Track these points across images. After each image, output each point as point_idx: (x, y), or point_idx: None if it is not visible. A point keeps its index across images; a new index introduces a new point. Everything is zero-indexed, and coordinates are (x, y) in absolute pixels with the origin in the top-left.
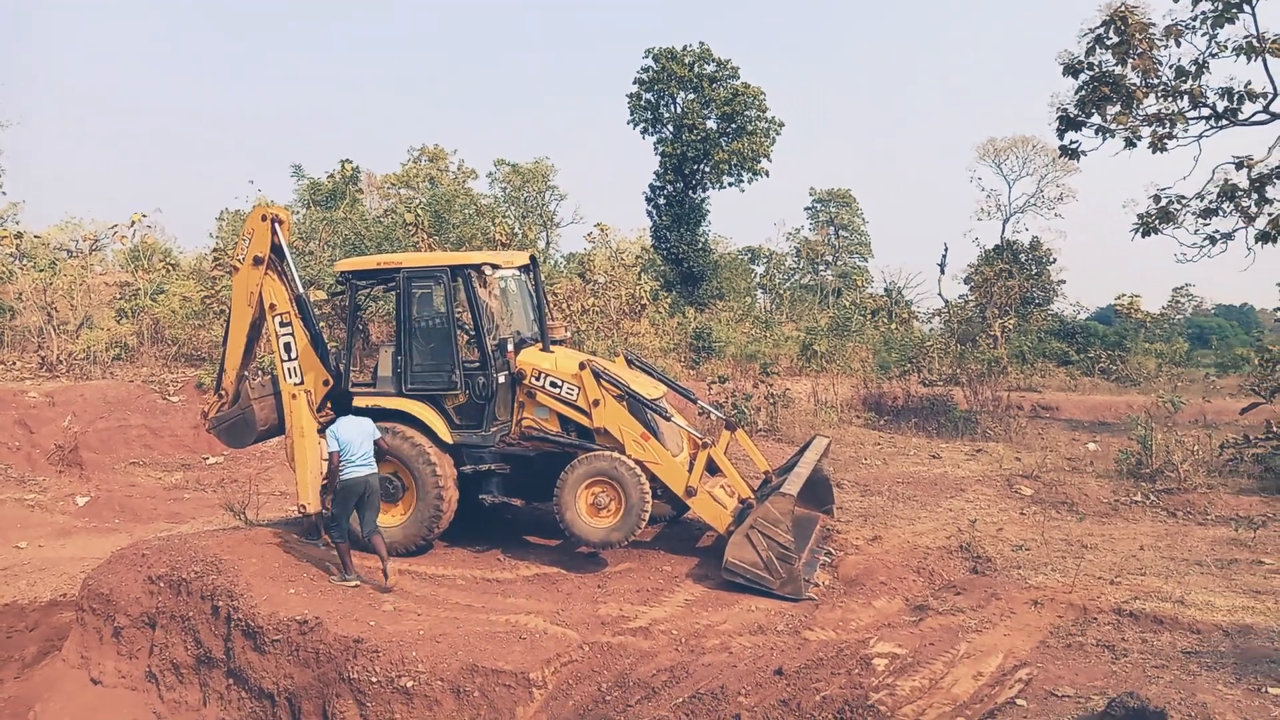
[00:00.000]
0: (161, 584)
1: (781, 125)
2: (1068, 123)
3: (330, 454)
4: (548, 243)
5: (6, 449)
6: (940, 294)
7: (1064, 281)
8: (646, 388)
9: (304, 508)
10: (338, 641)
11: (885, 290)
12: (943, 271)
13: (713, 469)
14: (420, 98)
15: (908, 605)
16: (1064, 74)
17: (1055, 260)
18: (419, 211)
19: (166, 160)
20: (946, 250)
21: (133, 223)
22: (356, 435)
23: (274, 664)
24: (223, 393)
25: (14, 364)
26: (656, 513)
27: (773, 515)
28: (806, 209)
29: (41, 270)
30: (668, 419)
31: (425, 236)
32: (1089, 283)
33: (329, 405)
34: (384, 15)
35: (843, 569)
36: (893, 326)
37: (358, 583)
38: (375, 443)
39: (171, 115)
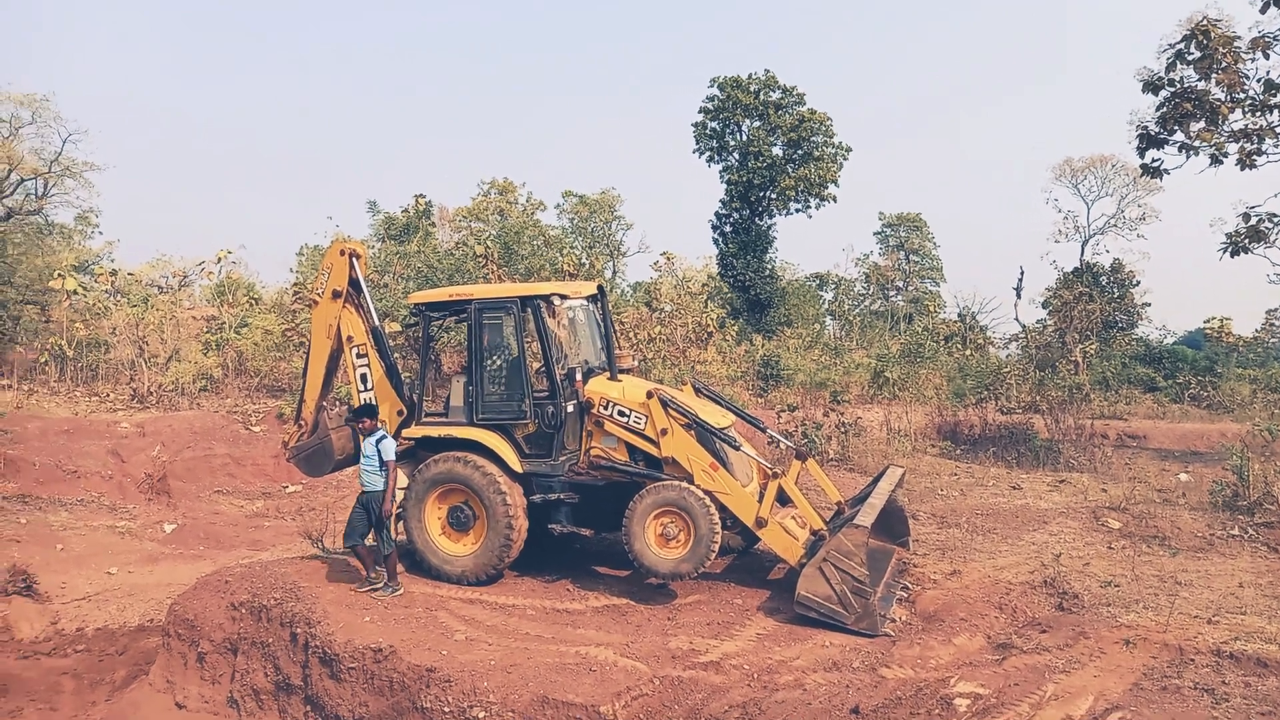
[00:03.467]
0: (243, 610)
1: (849, 150)
2: (1149, 140)
3: (388, 463)
4: (614, 272)
5: (100, 478)
6: (1017, 319)
7: (1148, 304)
8: (715, 416)
9: None
10: (411, 670)
11: (959, 315)
12: (1019, 296)
13: (783, 499)
14: (490, 132)
15: (990, 643)
16: (1144, 91)
17: (1139, 283)
18: (489, 244)
19: (250, 198)
20: (1023, 274)
21: (219, 259)
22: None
23: (350, 692)
24: (302, 423)
25: (108, 396)
26: (726, 544)
27: (846, 547)
28: (876, 234)
29: (134, 306)
30: (737, 448)
31: (495, 268)
32: (1175, 305)
33: (402, 434)
34: (452, 54)
35: (920, 604)
36: (967, 353)
37: (400, 590)
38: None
39: (254, 155)
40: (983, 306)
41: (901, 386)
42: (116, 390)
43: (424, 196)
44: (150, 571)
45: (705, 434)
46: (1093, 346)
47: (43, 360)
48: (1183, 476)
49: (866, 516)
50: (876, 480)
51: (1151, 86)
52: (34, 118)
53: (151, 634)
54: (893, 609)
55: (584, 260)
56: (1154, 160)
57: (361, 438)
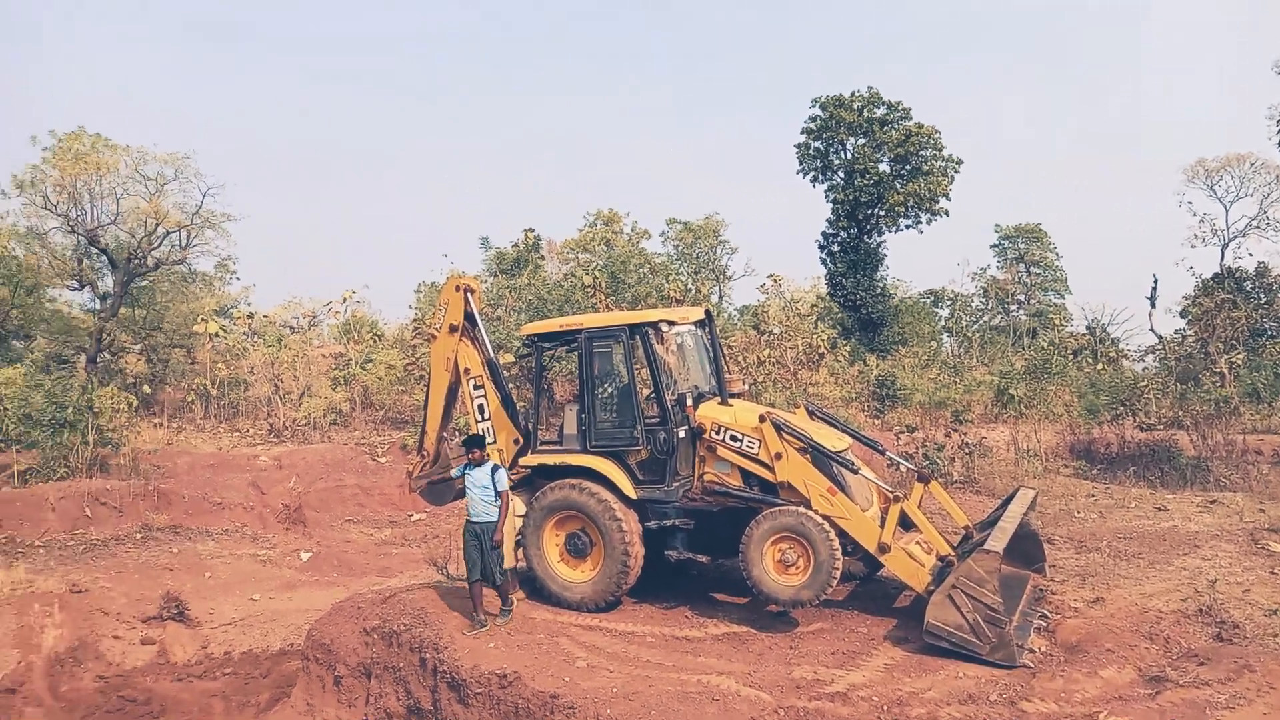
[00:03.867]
0: (375, 636)
1: (960, 163)
2: None
3: (503, 493)
4: (720, 296)
5: (242, 509)
6: (1152, 329)
7: None
8: (830, 440)
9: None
10: (535, 696)
11: (1087, 328)
12: (1153, 305)
13: (906, 524)
14: (594, 164)
15: (1141, 676)
16: None
17: None
18: (596, 274)
19: (372, 239)
20: (1156, 282)
21: (344, 299)
22: (473, 480)
23: (477, 716)
24: (424, 453)
25: (248, 431)
26: (848, 570)
27: (977, 574)
28: (993, 247)
29: (270, 346)
30: (855, 472)
31: (603, 297)
32: None
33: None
34: (556, 92)
35: (1061, 634)
36: (1099, 367)
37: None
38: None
39: (376, 197)
40: (1113, 318)
41: (1028, 404)
42: (255, 426)
43: (533, 230)
44: (289, 597)
45: (821, 458)
46: (1240, 356)
47: (189, 399)
48: None
49: (998, 541)
50: (1006, 503)
51: None
52: (177, 174)
53: (292, 657)
54: (1030, 639)
55: (690, 286)
56: None
57: (470, 468)
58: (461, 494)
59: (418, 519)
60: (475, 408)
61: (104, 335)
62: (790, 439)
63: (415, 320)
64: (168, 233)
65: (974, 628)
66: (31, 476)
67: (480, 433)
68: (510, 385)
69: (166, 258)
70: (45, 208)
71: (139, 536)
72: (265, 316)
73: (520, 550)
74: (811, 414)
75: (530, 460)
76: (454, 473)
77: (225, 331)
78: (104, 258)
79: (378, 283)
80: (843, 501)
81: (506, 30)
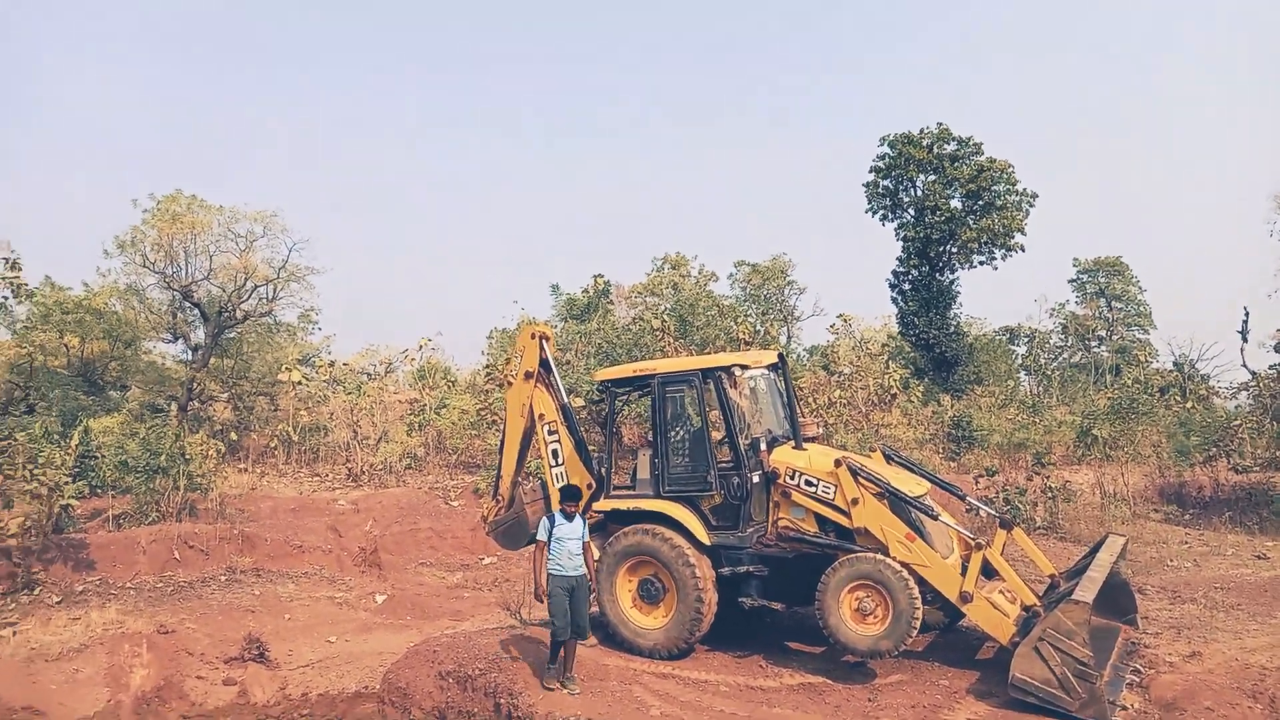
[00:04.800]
0: (450, 680)
1: (1034, 197)
2: None
3: (535, 542)
4: (789, 337)
5: (321, 552)
6: (1245, 365)
7: None
8: (908, 484)
9: None
10: None
11: (1174, 365)
12: (1245, 339)
13: (989, 572)
14: (661, 208)
15: None
16: None
17: None
18: (665, 318)
19: (444, 289)
20: (1247, 315)
21: (420, 346)
22: (567, 533)
23: None
24: (499, 498)
25: (327, 475)
26: (928, 620)
27: (1065, 625)
28: (1071, 281)
29: (349, 394)
30: (935, 518)
31: (671, 340)
32: None
33: (593, 508)
34: (619, 137)
35: (1155, 690)
36: (1189, 405)
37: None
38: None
39: (447, 247)
40: (1202, 353)
41: (1113, 445)
42: (334, 470)
43: (602, 276)
44: (365, 640)
45: (899, 503)
46: None
47: (272, 445)
48: None
49: (1087, 591)
50: (1095, 550)
51: None
52: (264, 231)
53: (367, 700)
54: (1122, 694)
55: (759, 327)
56: None
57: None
58: (536, 539)
59: (489, 563)
60: (550, 453)
61: (195, 385)
62: (867, 484)
63: (487, 366)
64: (256, 286)
65: (1062, 682)
66: (125, 521)
67: (554, 477)
68: (582, 429)
69: (254, 310)
70: (144, 265)
71: (223, 579)
72: (345, 364)
73: (593, 596)
74: (888, 458)
75: (604, 505)
76: (540, 530)
77: (307, 380)
78: (196, 311)
79: (451, 330)
80: (922, 548)
81: (571, 72)
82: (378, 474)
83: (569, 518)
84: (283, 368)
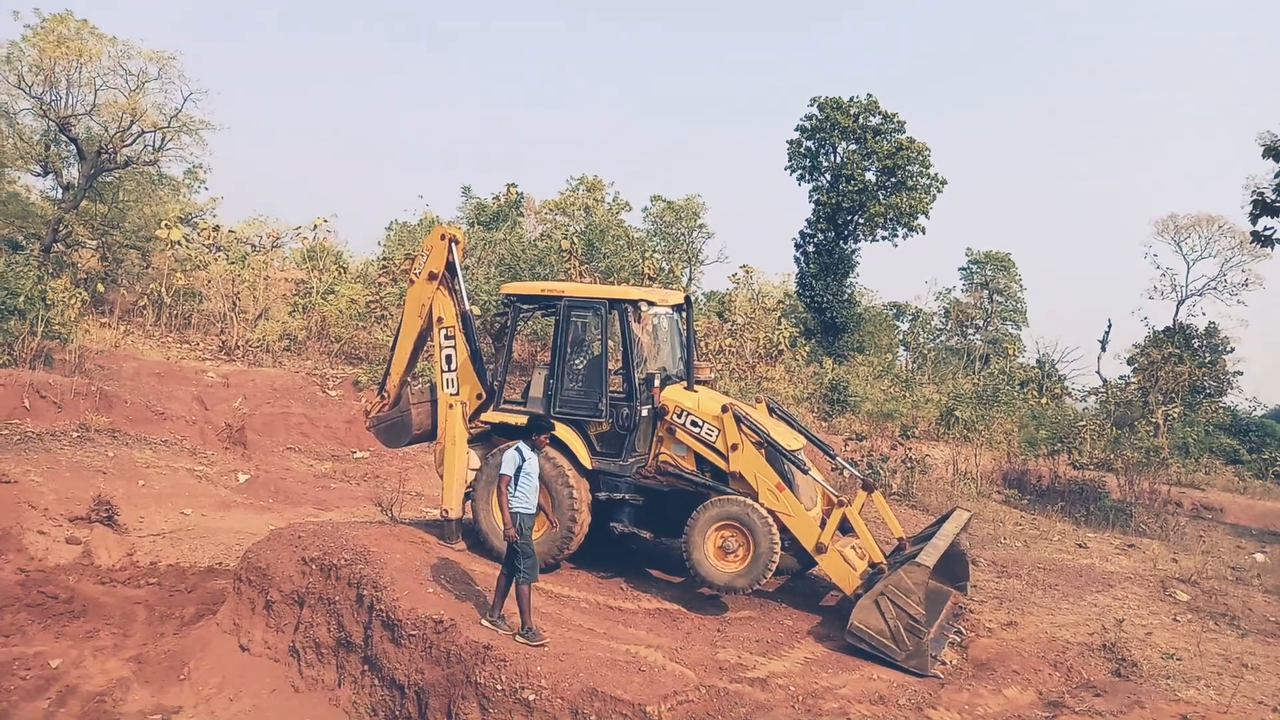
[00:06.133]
0: (313, 566)
1: (944, 183)
2: (1263, 208)
3: (500, 476)
4: (690, 279)
5: (184, 422)
6: (1099, 372)
7: (1240, 374)
8: (786, 438)
9: (446, 512)
10: (468, 645)
11: (1037, 362)
12: (1104, 349)
13: (845, 528)
14: (585, 129)
15: (1040, 699)
16: (1264, 156)
17: (1233, 349)
18: (574, 239)
19: (345, 167)
20: (1110, 326)
21: (315, 226)
22: (534, 469)
23: (407, 658)
24: (385, 394)
25: (198, 344)
26: (782, 565)
27: (905, 584)
28: (961, 269)
29: (232, 263)
30: (805, 472)
31: (577, 264)
32: (1270, 378)
33: (480, 418)
34: (555, 49)
35: (973, 650)
36: (1043, 401)
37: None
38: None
39: (350, 124)
40: (1064, 355)
41: (971, 428)
42: (206, 340)
43: (515, 186)
44: (222, 517)
45: (775, 454)
46: (1176, 410)
47: (141, 304)
48: (1259, 556)
49: (929, 556)
50: (941, 521)
51: (1272, 152)
52: (160, 74)
53: (220, 576)
54: (944, 651)
55: (664, 265)
56: (1266, 229)
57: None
58: (416, 440)
59: (361, 456)
60: (443, 357)
61: (62, 226)
62: (749, 432)
63: (384, 258)
64: (142, 132)
65: (894, 634)
66: None
67: (445, 382)
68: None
69: (137, 157)
70: (19, 86)
71: (76, 435)
72: (230, 231)
73: (468, 503)
74: (771, 410)
75: (492, 417)
76: (503, 465)
77: (186, 241)
78: (73, 147)
79: (348, 213)
80: (789, 498)
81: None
82: (253, 351)
83: (536, 450)
84: (161, 224)
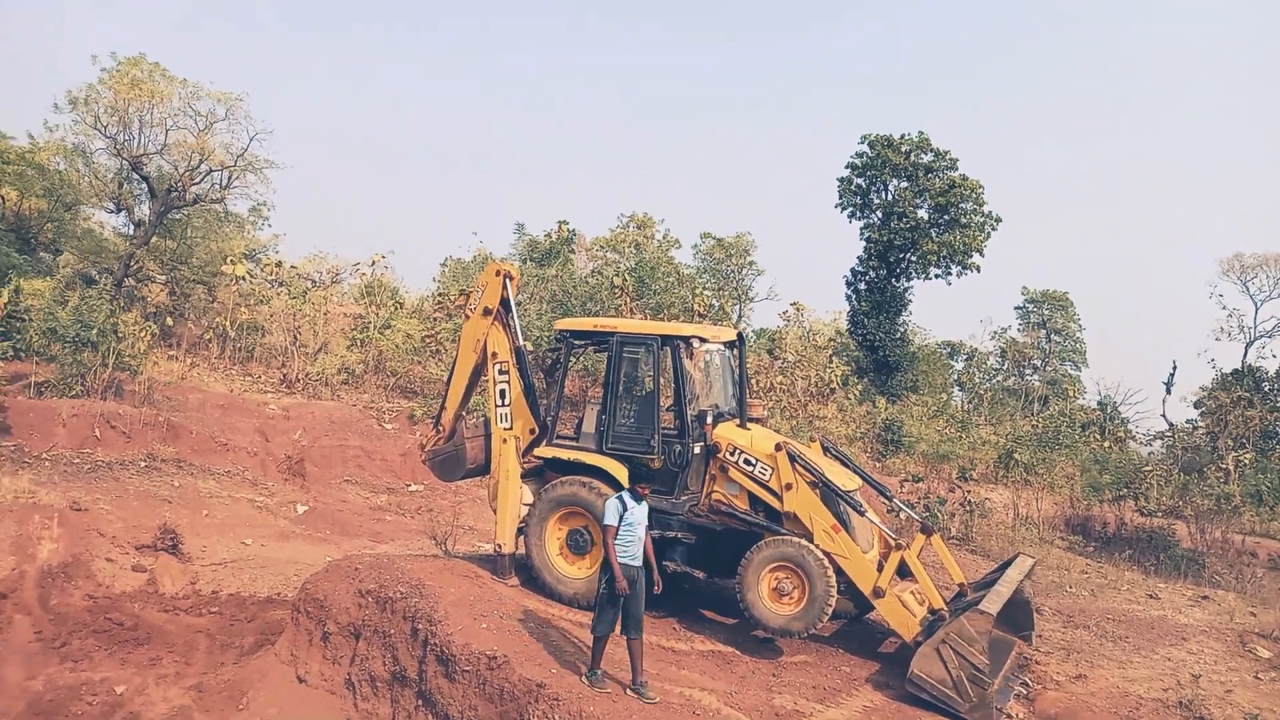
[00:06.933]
0: (369, 599)
1: (998, 220)
2: None
3: (606, 527)
4: (740, 316)
5: (246, 453)
6: (1164, 415)
7: None
8: (841, 477)
9: (500, 547)
10: (522, 683)
11: (1099, 404)
12: (1169, 391)
13: (903, 573)
14: (635, 167)
15: None
16: None
17: None
18: (625, 276)
19: (402, 207)
20: (1175, 369)
21: (373, 261)
22: (638, 518)
23: (461, 693)
24: (440, 428)
25: (260, 377)
26: (839, 608)
27: (968, 632)
28: (1017, 309)
29: (294, 298)
30: (861, 514)
31: (628, 300)
32: None
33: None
34: (608, 88)
35: (1039, 704)
36: (1106, 445)
37: (606, 687)
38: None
39: (410, 166)
40: (1126, 398)
41: (1031, 471)
42: (268, 373)
43: (567, 223)
44: (281, 547)
45: (830, 494)
46: (1248, 456)
47: (207, 337)
48: None
49: (993, 604)
50: (1004, 567)
51: None
52: (227, 114)
53: (278, 606)
54: (1009, 704)
55: (714, 301)
56: None
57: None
58: (470, 474)
59: (415, 490)
60: (497, 392)
61: (133, 261)
62: (803, 472)
63: (439, 294)
64: (210, 170)
65: (957, 684)
66: (47, 390)
67: (498, 417)
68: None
69: (205, 195)
70: (95, 127)
71: (143, 464)
72: (292, 267)
73: (520, 539)
74: (825, 449)
75: (544, 452)
76: (606, 515)
77: (250, 276)
78: (145, 185)
79: (405, 250)
80: (845, 540)
81: (571, 19)
82: (313, 384)
83: (639, 500)
84: (227, 259)
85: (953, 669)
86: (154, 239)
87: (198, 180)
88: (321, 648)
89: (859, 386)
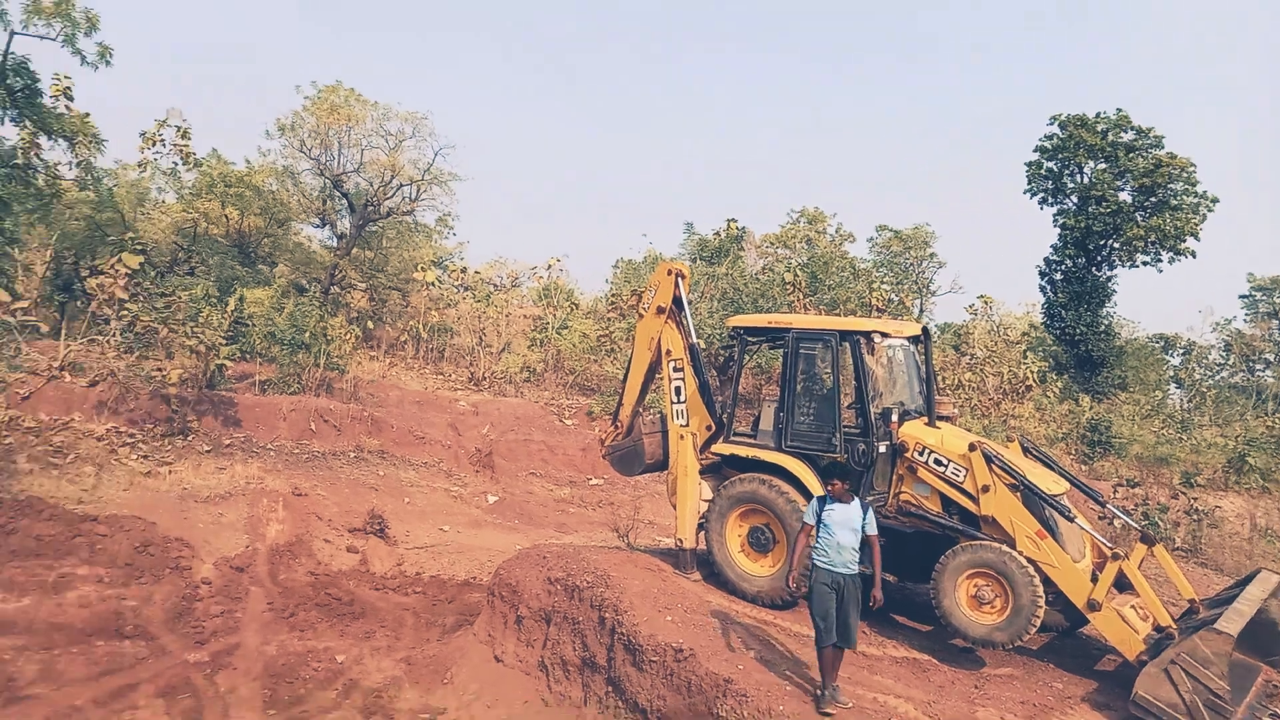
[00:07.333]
0: (558, 586)
1: (1215, 201)
2: None
3: (872, 538)
4: (921, 310)
5: (440, 446)
6: None
7: None
8: (1045, 480)
9: (681, 541)
10: (709, 676)
11: None
12: None
13: (1121, 585)
14: (805, 160)
15: None
16: None
17: None
18: (796, 271)
19: (574, 212)
20: None
21: (549, 265)
22: (838, 519)
23: (649, 683)
24: (619, 424)
25: (450, 375)
26: (1047, 620)
27: (1203, 653)
28: (1243, 297)
29: (479, 301)
30: (1070, 519)
31: (800, 296)
32: None
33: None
34: (775, 90)
35: None
36: None
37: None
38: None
39: (581, 170)
40: None
41: (1269, 477)
42: (457, 372)
43: (736, 221)
44: (474, 534)
45: (1033, 498)
46: None
47: (402, 339)
48: None
49: (1232, 622)
50: (1244, 583)
51: None
52: (414, 132)
53: (474, 589)
54: None
55: (893, 296)
56: None
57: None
58: (649, 469)
59: (595, 484)
60: (672, 389)
61: (337, 270)
62: (1000, 473)
63: (611, 294)
64: (401, 185)
65: (1191, 710)
66: (269, 388)
67: (674, 413)
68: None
69: (397, 208)
70: (300, 150)
71: (352, 455)
72: (476, 272)
73: (701, 534)
74: (1026, 450)
75: (722, 448)
76: (805, 514)
77: (439, 282)
78: (345, 201)
79: (578, 253)
80: (1052, 547)
81: (737, 17)
82: (497, 381)
83: (841, 500)
84: (418, 267)
85: (1185, 693)
86: (354, 250)
87: (390, 195)
88: (515, 630)
89: (1058, 383)
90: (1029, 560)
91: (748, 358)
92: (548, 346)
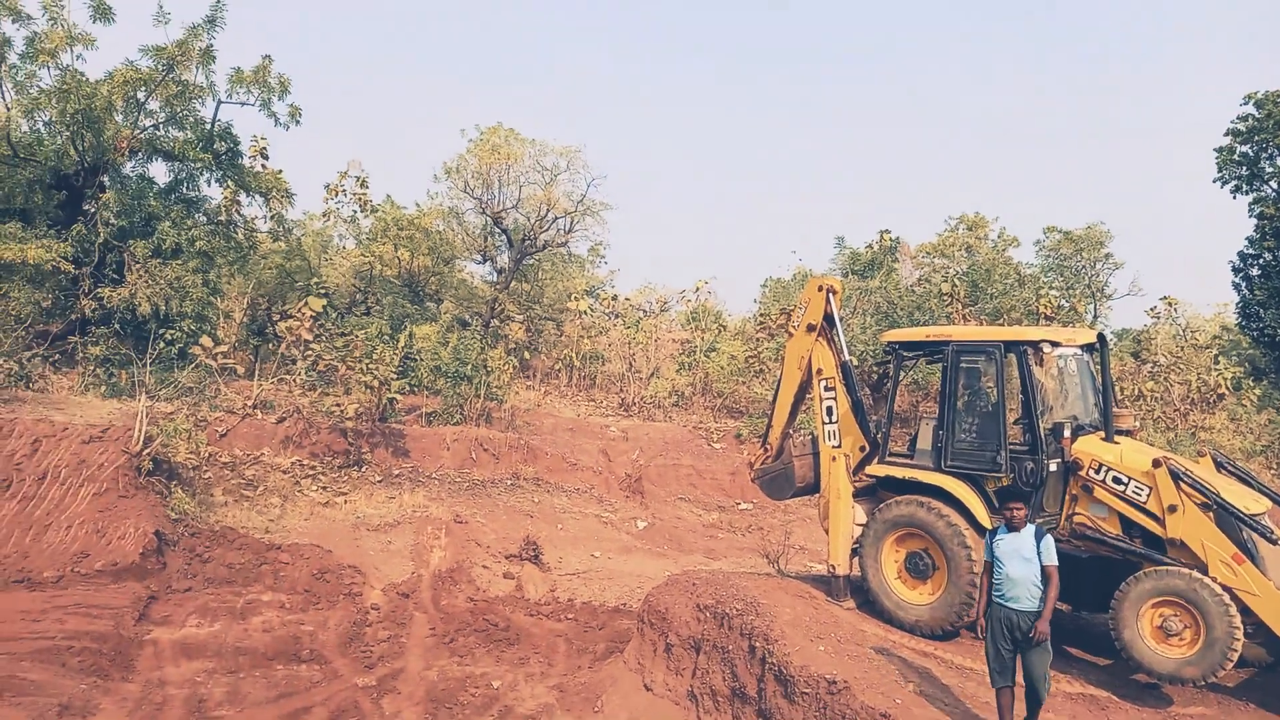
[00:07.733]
0: (707, 614)
1: None
2: None
3: (1050, 568)
4: (1095, 316)
5: (592, 472)
6: None
7: None
8: (1243, 499)
9: (834, 567)
10: (865, 710)
11: None
12: None
13: None
14: (964, 168)
15: None
16: None
17: None
18: (955, 282)
19: (720, 233)
20: None
21: (697, 288)
22: (1006, 550)
23: (801, 716)
24: (768, 447)
25: (601, 402)
26: (1246, 654)
27: None
28: None
29: (628, 328)
30: (1273, 542)
31: (960, 308)
32: None
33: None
34: (922, 87)
35: None
36: None
37: None
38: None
39: (729, 191)
40: None
41: None
42: (608, 398)
43: (889, 232)
44: (625, 560)
45: (1228, 518)
46: None
47: (556, 368)
48: None
49: None
50: None
51: None
52: (567, 165)
53: (624, 616)
54: None
55: (1063, 302)
56: None
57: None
58: (799, 493)
59: (745, 508)
60: (824, 409)
61: (497, 304)
62: (1190, 491)
63: (760, 315)
64: (555, 218)
65: None
66: (434, 419)
67: (826, 434)
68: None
69: (552, 240)
70: (465, 191)
71: (509, 482)
72: (626, 299)
73: (855, 560)
74: (1219, 466)
75: (877, 470)
76: (985, 551)
77: (591, 310)
78: (504, 237)
79: (726, 274)
80: (1251, 573)
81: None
82: (646, 407)
83: (1013, 528)
84: (571, 297)
85: None
86: (512, 283)
87: (546, 228)
88: (665, 658)
89: (1256, 391)
90: (1224, 588)
91: (904, 374)
92: (696, 370)
